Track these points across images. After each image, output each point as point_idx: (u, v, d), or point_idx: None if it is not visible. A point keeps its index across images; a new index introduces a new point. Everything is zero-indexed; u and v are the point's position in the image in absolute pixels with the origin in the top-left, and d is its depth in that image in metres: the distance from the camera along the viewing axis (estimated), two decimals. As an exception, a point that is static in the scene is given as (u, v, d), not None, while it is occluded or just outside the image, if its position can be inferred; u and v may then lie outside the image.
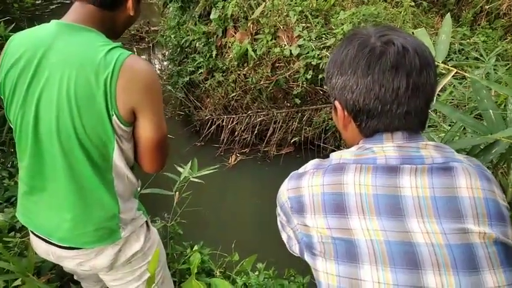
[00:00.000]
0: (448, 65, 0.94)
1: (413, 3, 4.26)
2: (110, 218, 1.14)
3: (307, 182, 0.77)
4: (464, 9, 4.95)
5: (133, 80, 1.01)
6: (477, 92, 0.92)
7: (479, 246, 0.67)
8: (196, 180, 2.26)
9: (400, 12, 4.28)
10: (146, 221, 1.29)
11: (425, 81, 0.72)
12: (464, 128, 1.24)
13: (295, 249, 0.83)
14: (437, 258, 0.67)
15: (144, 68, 1.03)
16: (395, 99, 0.72)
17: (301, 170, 0.81)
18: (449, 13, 1.07)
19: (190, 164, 2.31)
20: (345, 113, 0.78)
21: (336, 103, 0.79)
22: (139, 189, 1.28)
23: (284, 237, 0.87)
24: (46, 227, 1.17)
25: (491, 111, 0.87)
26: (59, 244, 1.17)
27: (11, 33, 2.81)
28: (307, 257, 0.78)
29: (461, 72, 1.01)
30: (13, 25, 2.94)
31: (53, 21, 1.08)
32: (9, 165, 2.29)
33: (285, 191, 0.80)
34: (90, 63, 0.99)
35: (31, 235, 1.25)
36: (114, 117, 1.02)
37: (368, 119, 0.75)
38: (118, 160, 1.08)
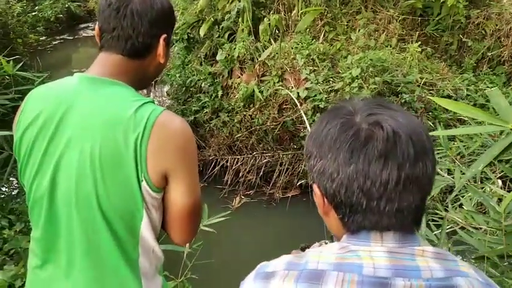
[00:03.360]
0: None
1: (419, 49, 4.31)
2: None
3: None
4: (465, 56, 5.03)
5: (167, 140, 0.91)
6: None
7: None
8: (206, 229, 2.14)
9: (405, 58, 4.33)
10: None
11: (420, 174, 0.60)
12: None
13: None
14: None
15: (179, 126, 0.94)
16: (383, 195, 0.60)
17: (270, 267, 0.66)
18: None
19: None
20: (325, 201, 0.66)
21: (315, 187, 0.67)
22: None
23: None
24: None
25: None
26: None
27: (18, 72, 2.75)
28: None
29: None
30: (21, 64, 2.88)
31: (76, 75, 0.97)
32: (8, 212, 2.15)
33: None
34: (118, 120, 0.89)
35: None
36: (144, 183, 0.90)
37: (351, 213, 0.63)
38: (145, 232, 0.95)
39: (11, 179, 2.40)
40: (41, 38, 9.19)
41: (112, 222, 0.92)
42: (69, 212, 0.93)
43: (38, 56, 7.57)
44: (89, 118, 0.91)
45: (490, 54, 4.84)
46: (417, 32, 4.88)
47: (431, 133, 1.25)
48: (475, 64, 4.89)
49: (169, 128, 0.92)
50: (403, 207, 0.61)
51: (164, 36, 1.01)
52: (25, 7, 8.50)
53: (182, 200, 0.95)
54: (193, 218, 1.00)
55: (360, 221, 0.63)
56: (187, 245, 2.12)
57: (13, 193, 2.30)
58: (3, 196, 2.36)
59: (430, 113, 4.12)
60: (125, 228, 0.93)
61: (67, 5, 10.53)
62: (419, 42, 4.48)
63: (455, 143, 2.07)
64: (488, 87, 4.27)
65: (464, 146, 1.90)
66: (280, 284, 0.62)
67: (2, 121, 2.62)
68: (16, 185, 2.99)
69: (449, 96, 4.12)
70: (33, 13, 9.06)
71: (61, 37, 10.23)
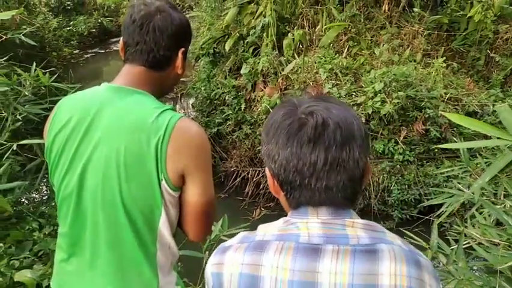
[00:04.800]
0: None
1: (444, 64, 4.27)
2: None
3: (228, 259, 0.74)
4: (493, 71, 4.94)
5: (184, 144, 0.99)
6: None
7: None
8: (226, 239, 2.18)
9: (430, 73, 4.29)
10: None
11: (346, 157, 0.70)
12: None
13: None
14: None
15: (195, 132, 1.02)
16: (313, 174, 0.70)
17: (228, 242, 0.78)
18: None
19: (221, 221, 2.24)
20: (274, 181, 0.77)
21: (266, 170, 0.78)
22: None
23: None
24: None
25: None
26: None
27: (53, 83, 2.90)
28: None
29: None
30: (55, 76, 3.03)
31: (103, 84, 1.07)
32: (38, 215, 2.27)
33: (210, 266, 0.77)
34: (141, 125, 0.98)
35: None
36: (163, 182, 0.98)
37: (292, 190, 0.74)
38: (163, 228, 1.02)
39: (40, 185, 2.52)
40: (74, 52, 9.62)
41: (133, 217, 0.99)
42: (95, 207, 1.00)
43: (71, 68, 7.91)
44: (116, 122, 1.00)
45: (519, 69, 4.74)
46: (443, 47, 4.84)
47: (447, 145, 1.27)
48: (503, 80, 4.79)
49: (186, 133, 1.00)
50: (332, 185, 0.71)
51: (182, 49, 1.09)
52: (61, 22, 8.95)
53: (197, 199, 1.02)
54: (207, 216, 1.06)
55: (298, 197, 0.73)
56: (207, 252, 2.17)
57: (43, 198, 2.41)
58: (34, 201, 2.48)
59: (455, 129, 4.05)
60: (144, 224, 1.00)
61: (99, 20, 11.01)
62: (445, 58, 4.43)
63: (478, 158, 2.05)
64: (516, 103, 4.17)
65: (485, 162, 1.89)
66: (233, 254, 0.74)
67: (36, 129, 2.77)
68: (45, 192, 3.13)
69: (475, 112, 4.05)
70: (68, 28, 9.52)
71: (93, 51, 10.67)
